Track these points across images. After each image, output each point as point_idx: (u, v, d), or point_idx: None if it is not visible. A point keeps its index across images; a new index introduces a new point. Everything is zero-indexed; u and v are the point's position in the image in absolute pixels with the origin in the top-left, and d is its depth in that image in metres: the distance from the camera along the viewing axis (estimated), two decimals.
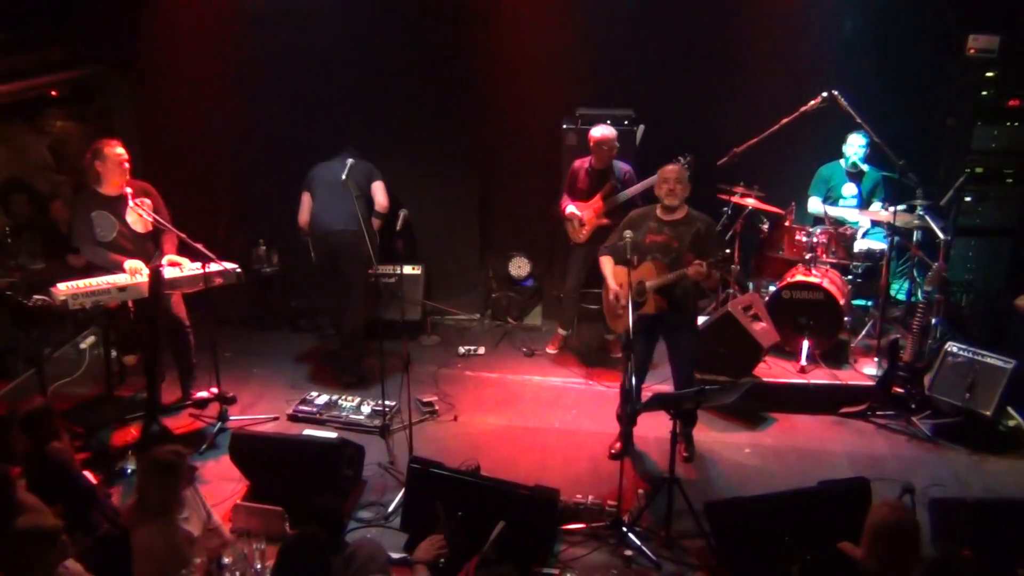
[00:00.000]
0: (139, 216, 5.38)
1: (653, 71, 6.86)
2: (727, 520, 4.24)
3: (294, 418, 5.65)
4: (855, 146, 6.29)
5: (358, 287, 6.17)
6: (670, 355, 5.21)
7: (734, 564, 4.21)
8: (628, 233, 4.91)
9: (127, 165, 5.33)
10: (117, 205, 5.34)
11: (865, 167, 6.38)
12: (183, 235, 5.32)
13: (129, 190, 5.25)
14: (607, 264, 5.13)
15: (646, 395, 4.99)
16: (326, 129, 6.71)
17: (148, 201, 5.39)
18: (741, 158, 6.02)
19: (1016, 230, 6.52)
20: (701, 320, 5.84)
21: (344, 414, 5.64)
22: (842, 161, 6.42)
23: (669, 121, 6.76)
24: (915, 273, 6.15)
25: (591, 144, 6.13)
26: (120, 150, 5.30)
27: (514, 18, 6.84)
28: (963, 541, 3.96)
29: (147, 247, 5.44)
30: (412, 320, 6.92)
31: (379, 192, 6.24)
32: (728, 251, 4.87)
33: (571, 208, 6.25)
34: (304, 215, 6.23)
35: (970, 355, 5.42)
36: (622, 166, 6.20)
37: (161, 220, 5.38)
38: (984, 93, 6.38)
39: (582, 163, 6.27)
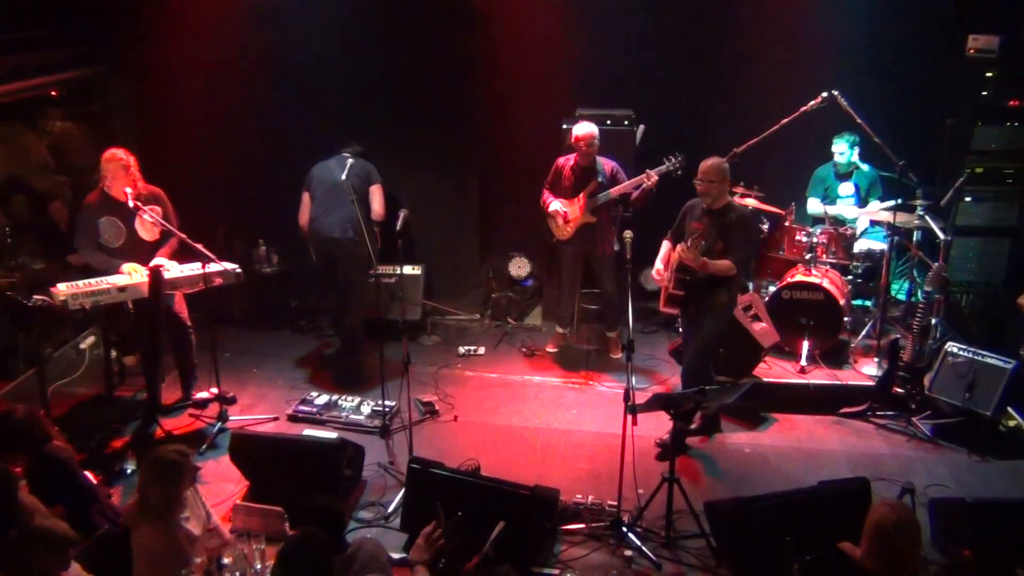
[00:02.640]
0: (147, 225, 5.35)
1: (653, 71, 6.86)
2: (727, 520, 4.24)
3: (294, 418, 5.65)
4: (837, 153, 6.35)
5: (357, 289, 6.15)
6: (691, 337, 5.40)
7: (734, 564, 4.21)
8: (628, 233, 4.93)
9: (134, 176, 5.24)
10: (126, 212, 5.27)
11: (863, 165, 6.39)
12: (185, 237, 5.30)
13: (130, 190, 5.17)
14: (664, 246, 5.45)
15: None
16: (326, 129, 6.70)
17: (158, 208, 5.36)
18: (741, 158, 6.02)
19: (1016, 230, 6.52)
20: None
21: (344, 414, 5.64)
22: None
23: (669, 121, 6.76)
24: (915, 273, 6.16)
25: (574, 142, 6.08)
26: (124, 163, 5.20)
27: (514, 18, 6.84)
28: (963, 541, 3.96)
29: (153, 255, 5.39)
30: (412, 320, 6.91)
31: (375, 199, 6.13)
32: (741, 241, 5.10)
33: (556, 205, 6.19)
34: (304, 216, 6.19)
35: (970, 355, 5.42)
36: (607, 163, 6.14)
37: (170, 227, 5.33)
38: (984, 93, 6.37)
39: (566, 160, 6.23)
